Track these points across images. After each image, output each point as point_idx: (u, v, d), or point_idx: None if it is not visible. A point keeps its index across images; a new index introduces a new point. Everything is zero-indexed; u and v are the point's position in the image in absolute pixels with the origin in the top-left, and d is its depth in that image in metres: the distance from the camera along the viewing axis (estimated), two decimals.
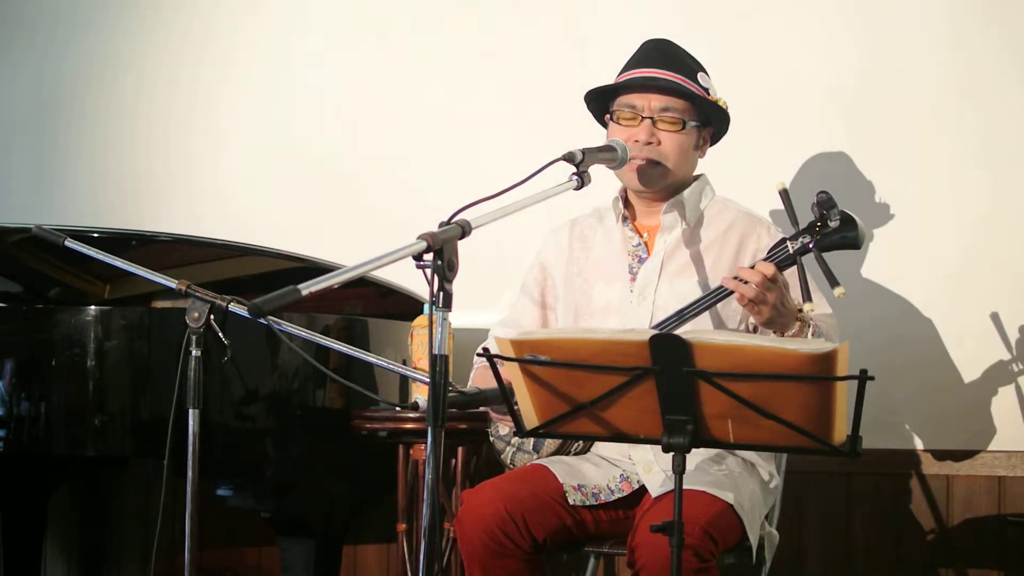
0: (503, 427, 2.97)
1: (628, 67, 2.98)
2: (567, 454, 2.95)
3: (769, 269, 2.58)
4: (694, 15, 3.87)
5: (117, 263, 2.93)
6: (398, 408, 3.43)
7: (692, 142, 2.94)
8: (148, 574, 4.15)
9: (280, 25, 4.45)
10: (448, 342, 2.16)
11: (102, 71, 4.65)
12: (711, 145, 3.02)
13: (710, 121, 2.97)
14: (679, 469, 2.23)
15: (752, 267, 2.60)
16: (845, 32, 3.75)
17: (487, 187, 2.38)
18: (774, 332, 2.64)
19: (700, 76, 2.94)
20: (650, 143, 2.88)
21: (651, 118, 2.89)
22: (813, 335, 2.65)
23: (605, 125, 3.00)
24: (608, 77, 3.00)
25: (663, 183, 2.93)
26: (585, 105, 3.01)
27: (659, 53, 2.96)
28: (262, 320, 2.16)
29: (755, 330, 2.72)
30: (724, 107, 2.95)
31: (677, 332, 2.19)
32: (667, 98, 2.89)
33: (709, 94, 2.93)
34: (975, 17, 3.63)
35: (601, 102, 2.99)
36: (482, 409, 2.91)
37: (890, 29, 3.70)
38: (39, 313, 3.51)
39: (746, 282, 2.57)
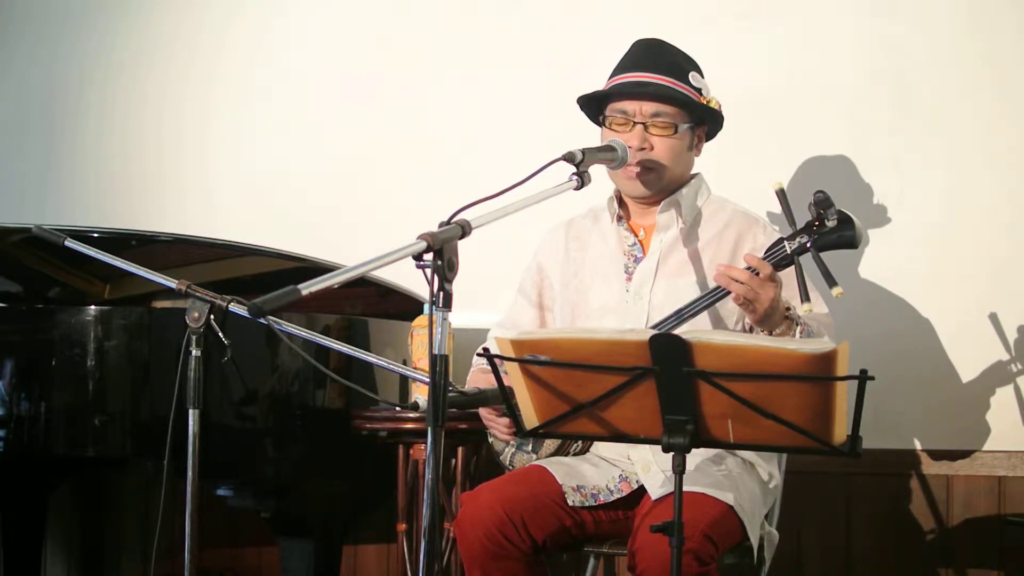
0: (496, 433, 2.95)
1: (618, 70, 2.97)
2: (566, 455, 2.95)
3: (765, 267, 2.59)
4: (694, 15, 3.87)
5: (117, 263, 2.93)
6: (398, 408, 3.43)
7: (685, 144, 2.93)
8: (148, 574, 4.15)
9: (278, 24, 4.45)
10: (448, 342, 2.16)
11: (102, 71, 4.66)
12: (707, 141, 3.02)
13: (703, 120, 2.97)
14: (679, 469, 2.23)
15: (749, 268, 2.60)
16: (845, 32, 3.75)
17: (487, 187, 2.38)
18: (764, 331, 2.64)
19: (692, 76, 2.93)
20: (643, 148, 2.88)
21: (643, 123, 2.88)
22: (802, 334, 2.65)
23: (601, 125, 3.00)
24: (608, 77, 3.00)
25: (659, 186, 2.92)
26: (579, 108, 3.00)
27: (650, 55, 2.95)
28: (262, 320, 2.16)
29: (751, 330, 2.72)
30: (717, 107, 2.95)
31: (676, 332, 2.19)
32: (658, 104, 2.89)
33: (701, 94, 2.92)
34: (975, 17, 3.63)
35: (595, 105, 2.99)
36: (480, 410, 2.91)
37: (890, 29, 3.70)
38: (39, 313, 3.51)
39: (739, 281, 2.58)
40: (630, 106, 2.90)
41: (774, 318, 2.62)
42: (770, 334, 2.64)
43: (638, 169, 2.87)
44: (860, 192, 3.66)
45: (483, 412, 2.90)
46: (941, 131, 3.64)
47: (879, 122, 3.70)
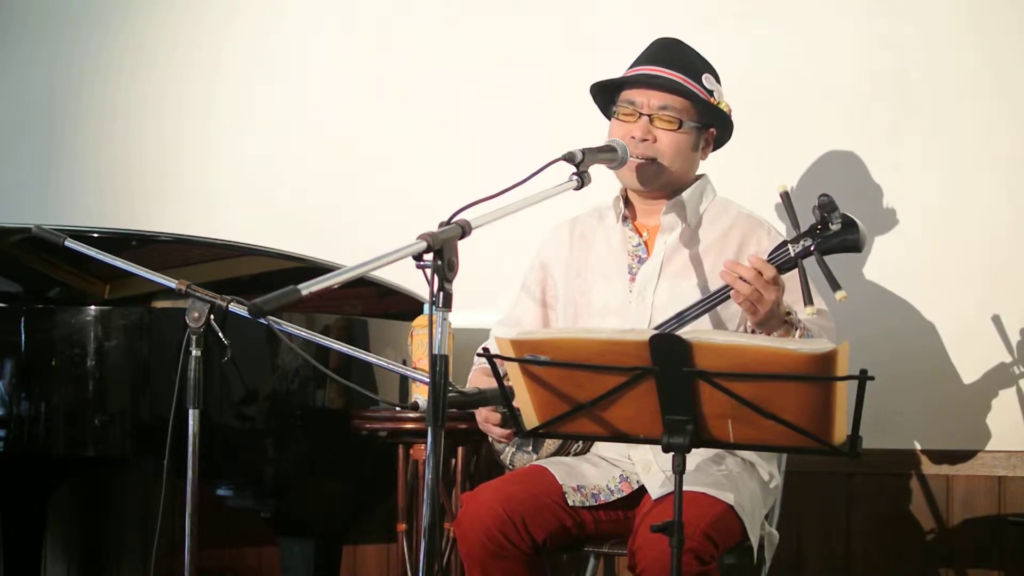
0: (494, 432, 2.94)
1: (635, 64, 2.98)
2: (567, 454, 2.95)
3: (768, 270, 2.58)
4: (694, 15, 3.87)
5: (117, 263, 2.93)
6: (398, 408, 3.43)
7: (690, 143, 2.93)
8: (148, 574, 4.15)
9: (278, 24, 4.45)
10: (448, 342, 2.16)
11: (102, 71, 4.66)
12: (715, 149, 3.01)
13: (712, 123, 2.96)
14: (679, 469, 2.23)
15: (753, 268, 2.60)
16: (845, 32, 3.75)
17: (487, 187, 2.38)
18: (762, 333, 2.64)
19: (705, 78, 2.92)
20: (645, 140, 2.88)
21: (649, 115, 2.89)
22: (801, 337, 2.65)
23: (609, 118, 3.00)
24: (608, 76, 3.00)
25: (659, 181, 2.92)
26: (592, 98, 3.01)
27: (667, 52, 2.96)
28: (262, 320, 2.16)
29: (751, 332, 2.72)
30: (726, 111, 2.95)
31: (677, 332, 2.19)
32: (666, 96, 2.89)
33: (713, 96, 2.93)
34: (975, 17, 3.63)
35: (607, 96, 2.99)
36: (477, 415, 2.91)
37: (890, 29, 3.70)
38: (39, 313, 3.51)
39: (745, 280, 2.57)
40: (639, 97, 2.90)
41: (772, 321, 2.62)
42: (767, 336, 2.64)
43: (640, 161, 2.87)
44: (860, 192, 3.66)
45: (480, 418, 2.90)
46: (941, 131, 3.64)
47: (879, 122, 3.69)
